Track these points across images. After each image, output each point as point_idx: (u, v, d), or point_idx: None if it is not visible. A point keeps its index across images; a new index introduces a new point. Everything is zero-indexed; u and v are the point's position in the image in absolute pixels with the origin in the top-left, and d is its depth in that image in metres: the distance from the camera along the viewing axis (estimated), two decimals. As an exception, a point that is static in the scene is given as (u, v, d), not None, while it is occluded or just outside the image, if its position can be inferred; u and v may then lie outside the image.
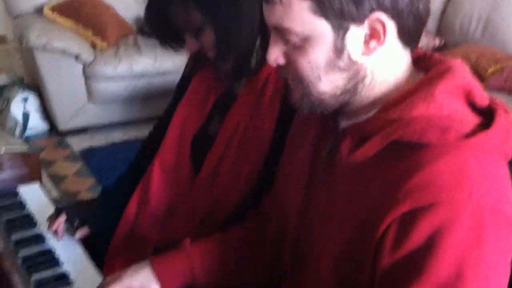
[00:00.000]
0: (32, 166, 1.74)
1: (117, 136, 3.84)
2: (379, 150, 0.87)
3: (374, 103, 0.92)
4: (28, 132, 3.77)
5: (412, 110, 0.86)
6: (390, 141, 0.86)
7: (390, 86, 0.91)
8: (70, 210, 1.45)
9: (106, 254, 1.50)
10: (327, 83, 0.90)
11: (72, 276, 1.28)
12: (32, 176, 1.72)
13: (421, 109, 0.85)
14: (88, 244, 1.44)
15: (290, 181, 1.10)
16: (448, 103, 0.86)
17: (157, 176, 1.47)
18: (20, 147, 3.57)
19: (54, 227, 1.42)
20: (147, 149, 1.58)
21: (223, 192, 1.37)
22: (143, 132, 1.67)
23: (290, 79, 0.95)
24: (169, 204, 1.49)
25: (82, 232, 1.46)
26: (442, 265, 0.80)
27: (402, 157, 0.85)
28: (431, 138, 0.83)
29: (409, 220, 0.81)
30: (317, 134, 1.04)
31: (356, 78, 0.90)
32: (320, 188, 0.99)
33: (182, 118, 1.46)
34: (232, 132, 1.36)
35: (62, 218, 1.43)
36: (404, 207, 0.81)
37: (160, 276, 1.17)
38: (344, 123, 0.97)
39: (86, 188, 3.22)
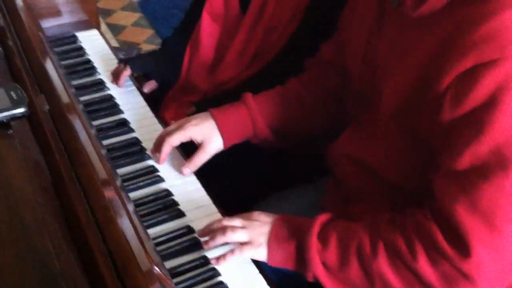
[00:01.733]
0: (90, 12, 1.69)
1: (175, -15, 3.72)
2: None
3: None
4: (86, -20, 3.70)
5: None
6: None
7: None
8: (134, 63, 1.43)
9: (161, 105, 1.51)
10: None
11: (132, 124, 1.28)
12: (90, 23, 1.68)
13: None
14: (150, 96, 1.45)
15: (355, 29, 1.04)
16: None
17: (206, 24, 1.47)
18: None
19: (121, 82, 1.40)
20: None
21: (269, 31, 1.36)
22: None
23: None
24: (218, 50, 1.48)
25: (150, 85, 1.46)
26: (503, 123, 0.76)
27: (467, 7, 0.78)
28: None
29: (472, 76, 0.77)
30: None
31: None
32: (385, 36, 0.94)
33: None
34: None
35: (127, 72, 1.41)
36: (468, 62, 0.77)
37: (222, 129, 1.15)
38: None
39: (145, 39, 3.20)
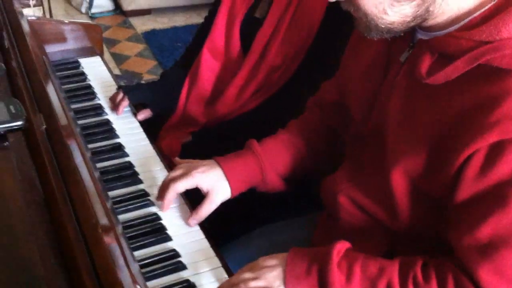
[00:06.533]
0: (95, 40, 1.74)
1: (180, 20, 3.81)
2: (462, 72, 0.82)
3: (454, 19, 0.84)
4: (94, 10, 3.79)
5: (501, 31, 0.78)
6: (475, 65, 0.80)
7: (469, 1, 0.83)
8: (133, 94, 1.46)
9: (159, 134, 1.54)
10: (395, 15, 0.84)
11: (126, 148, 1.31)
12: (93, 50, 1.73)
13: (511, 30, 0.78)
14: (147, 124, 1.47)
15: (360, 75, 1.05)
16: None
17: (205, 59, 1.50)
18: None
19: (120, 111, 1.43)
20: (202, 33, 1.58)
21: (271, 70, 1.40)
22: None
23: (353, 11, 0.88)
24: (217, 85, 1.52)
25: (144, 114, 1.48)
26: None
27: (489, 82, 0.79)
28: None
29: (497, 151, 0.78)
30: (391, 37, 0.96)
31: (427, 1, 0.82)
32: (394, 93, 0.94)
33: (231, 2, 1.48)
34: (282, 12, 1.37)
35: (125, 103, 1.45)
36: (492, 137, 0.77)
37: (230, 178, 1.13)
38: (420, 34, 0.90)
39: (148, 69, 3.26)
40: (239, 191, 1.15)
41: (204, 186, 1.11)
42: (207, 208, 1.12)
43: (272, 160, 1.17)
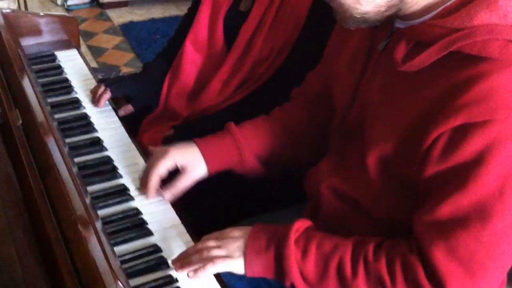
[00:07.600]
0: (71, 32, 1.71)
1: (157, 11, 3.77)
2: (436, 59, 0.83)
3: (429, 8, 0.86)
4: (70, 2, 3.73)
5: (473, 18, 0.80)
6: (448, 51, 0.81)
7: None
8: (115, 87, 1.44)
9: (139, 129, 1.53)
10: (369, 5, 0.85)
11: (105, 143, 1.29)
12: (70, 43, 1.70)
13: (483, 17, 0.79)
14: (127, 117, 1.46)
15: (344, 65, 1.06)
16: None
17: (188, 52, 1.49)
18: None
19: (101, 104, 1.40)
20: (184, 25, 1.56)
21: (257, 64, 1.39)
22: (182, 9, 1.65)
23: (329, 1, 0.89)
24: (200, 78, 1.50)
25: (126, 109, 1.47)
26: (487, 181, 0.79)
27: (460, 68, 0.81)
28: (492, 52, 0.78)
29: (461, 133, 0.79)
30: (372, 27, 0.97)
31: None
32: (373, 82, 0.96)
33: None
34: (267, 5, 1.36)
35: (107, 95, 1.42)
36: (458, 120, 0.79)
37: (207, 156, 1.14)
38: (398, 23, 0.92)
39: (126, 62, 3.22)
40: (216, 170, 1.16)
41: (181, 161, 1.13)
42: (183, 182, 1.13)
43: (250, 141, 1.18)
